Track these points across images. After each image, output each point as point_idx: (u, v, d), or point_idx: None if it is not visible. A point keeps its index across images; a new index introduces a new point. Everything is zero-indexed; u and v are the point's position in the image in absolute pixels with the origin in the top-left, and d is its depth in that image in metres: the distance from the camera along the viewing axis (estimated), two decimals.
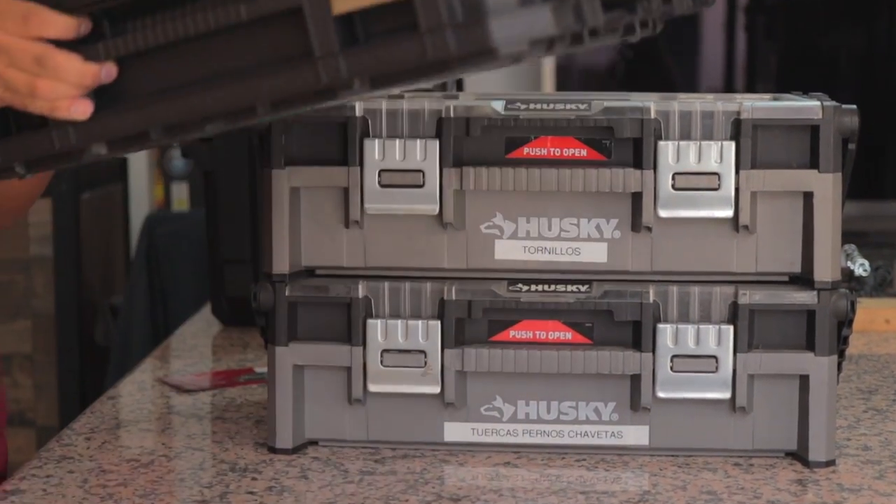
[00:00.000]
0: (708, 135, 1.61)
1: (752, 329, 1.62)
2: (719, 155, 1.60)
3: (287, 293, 1.64)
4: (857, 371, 2.15)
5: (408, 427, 1.67)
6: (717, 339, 1.61)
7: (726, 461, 1.64)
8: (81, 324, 4.28)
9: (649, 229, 1.63)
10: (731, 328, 1.61)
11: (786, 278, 1.65)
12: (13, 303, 4.26)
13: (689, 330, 1.61)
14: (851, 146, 1.62)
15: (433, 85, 2.03)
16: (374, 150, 1.62)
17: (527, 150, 1.63)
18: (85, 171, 4.15)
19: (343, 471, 1.60)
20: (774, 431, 1.64)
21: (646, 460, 1.64)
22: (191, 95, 1.31)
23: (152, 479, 1.58)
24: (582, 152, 1.63)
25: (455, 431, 1.66)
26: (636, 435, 1.65)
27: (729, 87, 5.31)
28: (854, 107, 1.61)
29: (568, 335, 1.64)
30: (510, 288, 1.64)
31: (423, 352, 1.63)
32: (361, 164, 1.63)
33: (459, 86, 2.62)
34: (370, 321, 1.63)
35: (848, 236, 4.71)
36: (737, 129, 1.60)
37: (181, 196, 4.76)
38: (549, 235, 1.64)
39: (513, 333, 1.64)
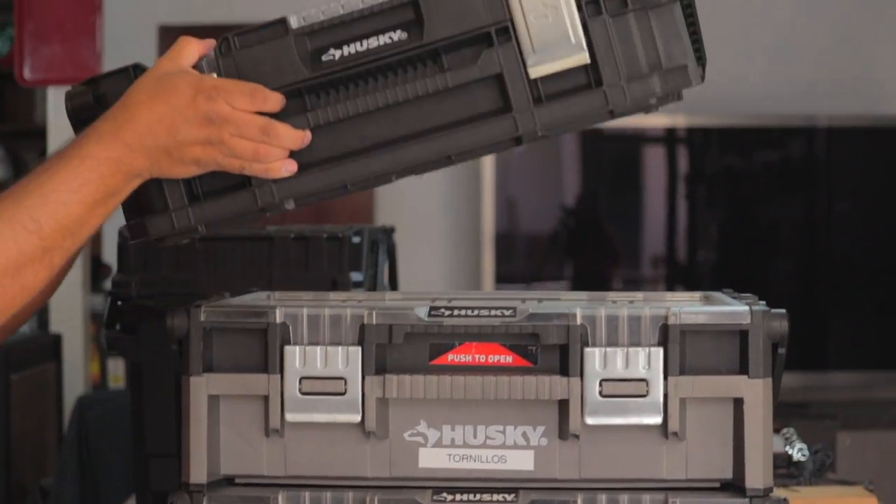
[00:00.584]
0: (635, 341, 1.58)
1: None
2: (647, 361, 1.57)
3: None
4: None
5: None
6: None
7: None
8: None
9: (577, 437, 1.59)
10: None
11: (717, 485, 1.62)
12: None
13: None
14: (781, 350, 1.60)
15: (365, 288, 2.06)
16: (294, 357, 1.59)
17: (451, 357, 1.60)
18: (15, 351, 4.10)
19: None
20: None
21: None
22: (382, 154, 1.57)
23: None
24: (507, 359, 1.60)
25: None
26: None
27: (671, 256, 5.33)
28: (783, 311, 1.59)
29: None
30: (434, 497, 1.59)
31: None
32: (282, 372, 1.59)
33: (393, 282, 2.59)
34: None
35: (790, 407, 4.69)
36: (665, 334, 1.58)
37: (117, 372, 4.70)
38: (475, 443, 1.61)
39: None
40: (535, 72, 1.54)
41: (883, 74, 5.21)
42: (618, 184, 5.53)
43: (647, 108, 1.58)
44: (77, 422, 3.71)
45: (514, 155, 5.20)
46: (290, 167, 1.59)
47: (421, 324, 1.58)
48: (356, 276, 2.23)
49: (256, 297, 1.80)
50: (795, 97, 5.19)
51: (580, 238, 5.55)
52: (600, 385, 1.57)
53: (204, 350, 1.61)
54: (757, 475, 1.58)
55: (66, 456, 3.72)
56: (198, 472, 1.60)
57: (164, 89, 1.58)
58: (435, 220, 5.56)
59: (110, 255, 5.04)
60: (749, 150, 5.25)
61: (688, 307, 1.60)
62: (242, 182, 1.61)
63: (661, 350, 1.57)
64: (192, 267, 2.28)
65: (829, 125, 5.05)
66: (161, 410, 2.37)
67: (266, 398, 1.60)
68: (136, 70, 1.61)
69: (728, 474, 1.60)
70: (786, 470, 2.56)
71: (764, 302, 1.63)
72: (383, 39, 1.56)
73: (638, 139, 5.34)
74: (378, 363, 1.59)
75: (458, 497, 1.59)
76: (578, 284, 5.25)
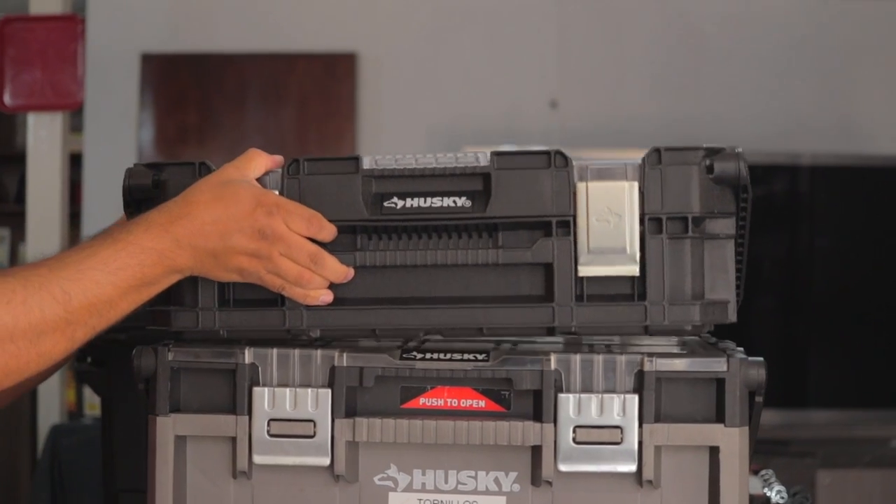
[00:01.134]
0: (610, 387, 1.56)
1: None
2: (622, 408, 1.55)
3: None
4: None
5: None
6: None
7: None
8: None
9: (550, 483, 1.56)
10: None
11: None
12: None
13: None
14: (759, 399, 1.57)
15: None
16: (263, 398, 1.56)
17: (423, 401, 1.57)
18: None
19: None
20: None
21: None
22: (417, 309, 1.57)
23: None
24: (480, 403, 1.57)
25: None
26: None
27: None
28: (761, 359, 1.57)
29: None
30: None
31: None
32: (250, 413, 1.57)
33: None
34: None
35: (770, 445, 4.66)
36: (640, 381, 1.55)
37: (94, 400, 4.66)
38: (446, 488, 1.58)
39: None
40: (585, 271, 1.56)
41: (865, 115, 5.21)
42: None
43: (680, 333, 1.58)
44: (50, 450, 3.67)
45: None
46: (326, 298, 1.60)
47: (392, 367, 1.56)
48: None
49: None
50: (780, 135, 5.18)
51: None
52: (574, 431, 1.55)
53: (171, 390, 1.58)
54: None
55: (39, 484, 3.68)
56: None
57: (226, 194, 1.58)
58: None
59: None
60: None
61: (664, 354, 1.57)
62: (275, 299, 1.61)
63: (636, 397, 1.55)
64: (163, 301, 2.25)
65: (812, 164, 5.04)
66: (132, 445, 2.34)
67: (234, 440, 1.58)
68: (203, 167, 1.61)
69: None
70: None
71: (742, 349, 1.61)
72: (447, 202, 1.58)
73: None
74: (348, 406, 1.56)
75: None
76: None
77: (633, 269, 1.55)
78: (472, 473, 1.58)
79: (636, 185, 1.56)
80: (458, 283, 1.59)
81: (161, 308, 1.62)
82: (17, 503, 4.29)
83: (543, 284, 1.58)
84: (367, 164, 1.59)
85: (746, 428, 1.57)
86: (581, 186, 1.55)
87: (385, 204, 1.58)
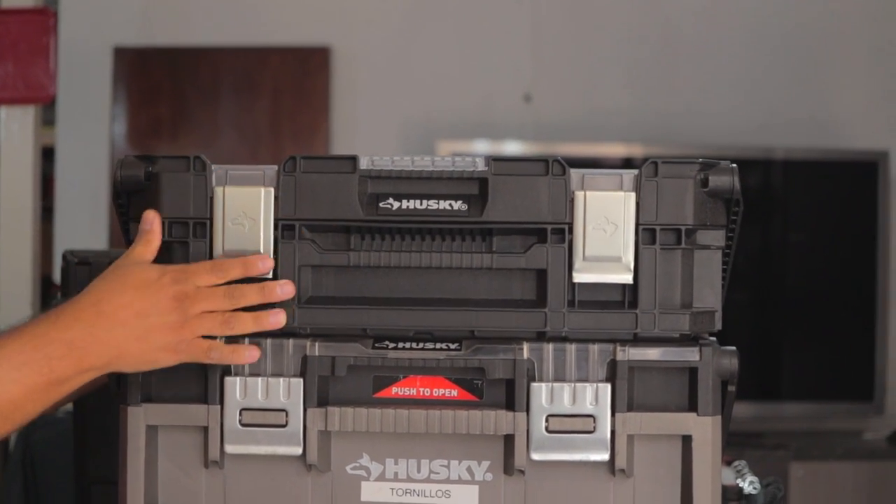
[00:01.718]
0: (583, 376, 1.56)
1: None
2: (594, 397, 1.55)
3: None
4: None
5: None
6: None
7: None
8: None
9: (522, 472, 1.56)
10: None
11: None
12: None
13: None
14: (731, 388, 1.58)
15: None
16: (235, 388, 1.56)
17: (395, 390, 1.57)
18: None
19: None
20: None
21: None
22: (408, 310, 1.58)
23: None
24: (452, 392, 1.57)
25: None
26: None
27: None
28: (733, 348, 1.58)
29: None
30: None
31: None
32: (222, 403, 1.56)
33: None
34: None
35: (743, 437, 4.68)
36: (612, 370, 1.56)
37: None
38: (419, 477, 1.58)
39: None
40: (579, 277, 1.57)
41: (838, 109, 5.22)
42: None
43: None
44: (22, 443, 3.65)
45: None
46: (252, 354, 1.55)
47: (364, 356, 1.56)
48: None
49: None
50: (753, 130, 5.19)
51: None
52: (546, 420, 1.55)
53: (142, 380, 1.57)
54: None
55: (10, 478, 3.66)
56: None
57: (133, 278, 1.55)
58: None
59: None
60: None
61: (637, 343, 1.57)
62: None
63: (608, 386, 1.55)
64: None
65: (785, 158, 5.05)
66: (103, 436, 2.33)
67: (205, 429, 1.57)
68: (197, 161, 1.59)
69: None
70: (737, 503, 2.54)
71: (714, 339, 1.61)
72: (443, 205, 1.58)
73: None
74: (320, 395, 1.56)
75: None
76: None
77: (627, 278, 1.57)
78: (445, 462, 1.58)
79: (633, 195, 1.57)
80: (451, 285, 1.60)
81: None
82: None
83: (536, 289, 1.59)
84: (364, 164, 1.59)
85: (719, 417, 1.57)
86: (579, 195, 1.57)
87: (381, 205, 1.58)
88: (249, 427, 1.56)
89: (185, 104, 5.17)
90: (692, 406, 1.56)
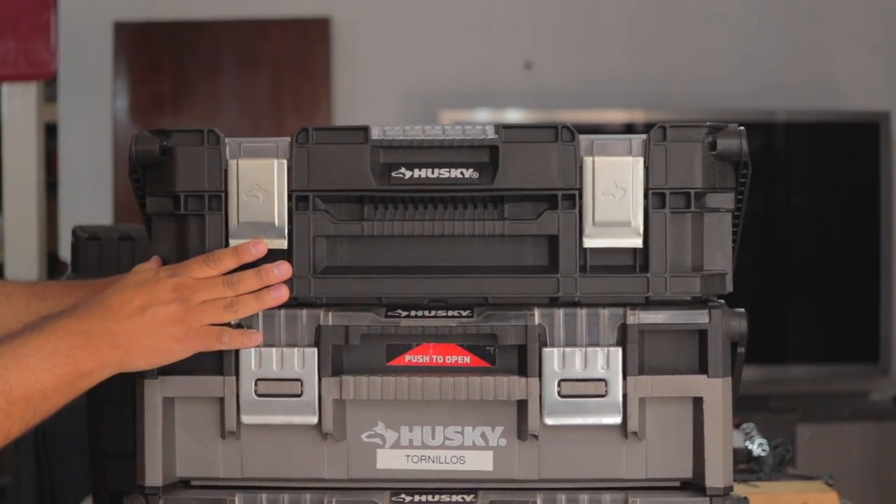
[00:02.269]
0: (594, 341, 1.57)
1: None
2: (606, 361, 1.56)
3: None
4: None
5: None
6: None
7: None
8: None
9: (536, 437, 1.58)
10: None
11: (677, 484, 1.61)
12: None
13: None
14: (741, 349, 1.59)
15: None
16: (250, 359, 1.57)
17: (408, 358, 1.58)
18: None
19: None
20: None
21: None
22: (422, 278, 1.59)
23: None
24: (465, 359, 1.58)
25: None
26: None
27: None
28: (742, 310, 1.59)
29: None
30: (393, 499, 1.58)
31: None
32: (237, 374, 1.58)
33: None
34: None
35: (749, 401, 4.68)
36: (623, 334, 1.57)
37: None
38: (433, 444, 1.59)
39: None
40: (590, 242, 1.58)
41: (839, 70, 5.22)
42: None
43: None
44: None
45: None
46: (258, 338, 1.58)
47: (377, 325, 1.57)
48: None
49: None
50: (754, 93, 5.19)
51: None
52: (559, 385, 1.56)
53: None
54: (717, 474, 1.57)
55: (23, 455, 3.68)
56: (153, 475, 1.59)
57: (131, 279, 1.59)
58: None
59: (67, 251, 5.02)
60: None
61: (647, 307, 1.59)
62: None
63: (619, 350, 1.56)
64: None
65: (787, 120, 5.06)
66: (117, 411, 2.34)
67: (221, 400, 1.59)
68: (211, 134, 1.60)
69: (688, 473, 1.60)
70: (746, 465, 2.55)
71: (723, 301, 1.62)
72: (455, 173, 1.59)
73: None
74: (335, 364, 1.57)
75: (416, 498, 1.58)
76: None
77: (637, 242, 1.58)
78: (459, 429, 1.59)
79: (641, 160, 1.58)
80: (463, 253, 1.61)
81: None
82: (0, 475, 4.30)
83: (548, 255, 1.60)
84: (375, 134, 1.59)
85: (729, 378, 1.58)
86: (588, 161, 1.58)
87: (393, 174, 1.59)
88: (265, 397, 1.57)
89: (187, 78, 5.17)
90: (702, 368, 1.57)
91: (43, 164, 4.65)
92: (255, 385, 1.57)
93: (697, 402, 1.58)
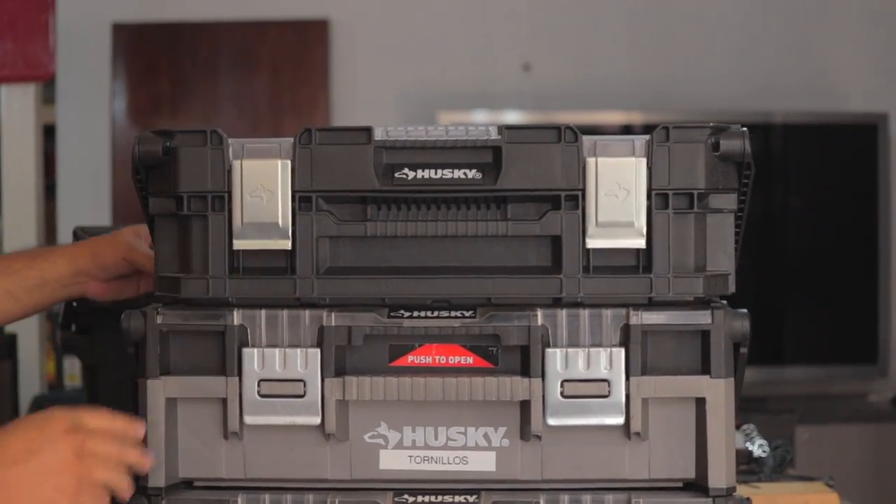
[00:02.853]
0: (597, 341, 1.57)
1: None
2: (609, 361, 1.57)
3: None
4: None
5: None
6: None
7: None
8: None
9: (539, 437, 1.58)
10: None
11: (680, 484, 1.61)
12: None
13: None
14: (743, 350, 1.59)
15: None
16: (252, 359, 1.57)
17: (411, 359, 1.58)
18: None
19: None
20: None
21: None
22: (425, 279, 1.59)
23: None
24: (468, 360, 1.58)
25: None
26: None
27: None
28: (745, 311, 1.59)
29: None
30: (395, 499, 1.58)
31: None
32: (240, 375, 1.58)
33: None
34: None
35: (748, 402, 4.70)
36: (626, 334, 1.57)
37: (73, 371, 4.66)
38: (436, 445, 1.59)
39: None
40: (593, 243, 1.58)
41: (837, 72, 5.23)
42: None
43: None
44: None
45: None
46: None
47: (380, 325, 1.57)
48: None
49: None
50: (752, 94, 5.20)
51: None
52: (562, 386, 1.56)
53: (161, 353, 1.59)
54: (720, 475, 1.57)
55: None
56: (156, 476, 1.59)
57: (38, 419, 1.50)
58: None
59: None
60: None
61: (649, 308, 1.59)
62: (284, 267, 1.61)
63: (622, 350, 1.57)
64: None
65: (784, 122, 5.06)
66: (117, 411, 2.34)
67: (224, 401, 1.58)
68: (214, 135, 1.60)
69: (691, 474, 1.60)
70: (746, 466, 2.56)
71: (725, 301, 1.63)
72: (458, 174, 1.59)
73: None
74: (337, 365, 1.58)
75: (419, 499, 1.58)
76: None
77: (640, 242, 1.58)
78: (462, 429, 1.59)
79: (644, 161, 1.58)
80: (466, 253, 1.61)
81: (169, 275, 1.62)
82: None
83: (551, 256, 1.60)
84: (378, 134, 1.59)
85: (732, 379, 1.59)
86: (591, 161, 1.58)
87: (396, 175, 1.59)
88: (268, 398, 1.57)
89: (185, 79, 5.17)
90: (705, 369, 1.57)
91: (41, 166, 4.66)
92: (258, 386, 1.57)
93: (700, 403, 1.58)
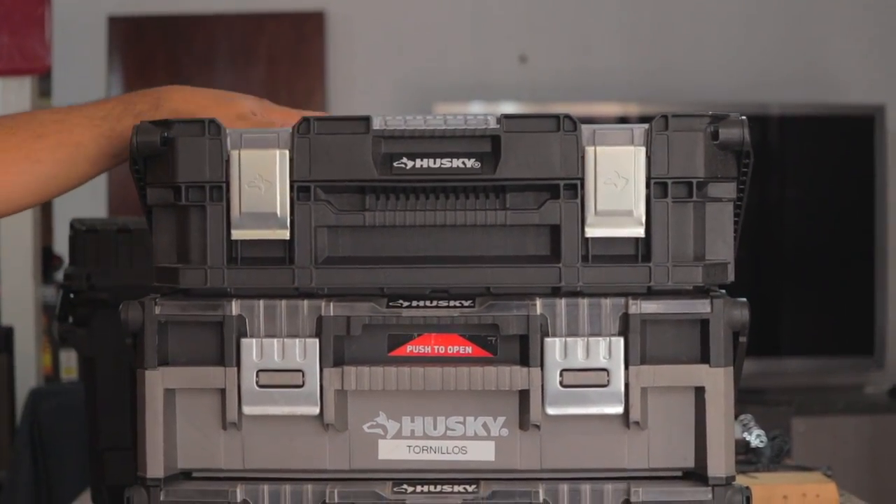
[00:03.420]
0: (596, 330, 1.57)
1: None
2: (608, 351, 1.56)
3: (162, 498, 1.57)
4: None
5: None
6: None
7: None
8: None
9: (538, 427, 1.58)
10: None
11: (679, 473, 1.61)
12: None
13: None
14: (742, 339, 1.59)
15: None
16: (251, 349, 1.57)
17: (410, 348, 1.58)
18: None
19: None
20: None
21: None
22: (424, 268, 1.59)
23: None
24: (467, 349, 1.58)
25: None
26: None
27: None
28: (744, 300, 1.59)
29: None
30: (395, 489, 1.58)
31: None
32: (238, 365, 1.57)
33: None
34: None
35: (745, 394, 4.72)
36: (625, 324, 1.57)
37: (70, 364, 4.66)
38: (435, 434, 1.59)
39: None
40: (592, 232, 1.58)
41: (834, 63, 5.23)
42: None
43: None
44: (30, 414, 3.67)
45: None
46: None
47: (379, 315, 1.57)
48: None
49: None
50: (748, 86, 5.20)
51: None
52: (561, 375, 1.56)
53: (159, 343, 1.58)
54: (719, 463, 1.57)
55: (20, 449, 3.68)
56: (154, 467, 1.58)
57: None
58: None
59: (61, 245, 5.02)
60: None
61: (648, 297, 1.59)
62: (283, 257, 1.60)
63: (621, 339, 1.56)
64: (146, 259, 2.25)
65: (781, 113, 5.06)
66: (115, 404, 2.35)
67: (223, 391, 1.58)
68: (212, 124, 1.60)
69: (690, 463, 1.59)
70: (744, 456, 2.56)
71: (724, 290, 1.62)
72: (456, 163, 1.58)
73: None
74: (336, 355, 1.57)
75: (418, 489, 1.57)
76: None
77: (639, 231, 1.58)
78: (461, 419, 1.59)
79: (643, 150, 1.58)
80: (465, 243, 1.61)
81: (168, 265, 1.62)
82: None
83: (549, 245, 1.60)
84: (377, 124, 1.59)
85: (731, 368, 1.58)
86: (590, 150, 1.58)
87: (395, 164, 1.58)
88: (266, 388, 1.57)
89: (181, 72, 5.17)
90: (704, 357, 1.57)
91: None
92: (257, 376, 1.57)
93: (699, 392, 1.58)
